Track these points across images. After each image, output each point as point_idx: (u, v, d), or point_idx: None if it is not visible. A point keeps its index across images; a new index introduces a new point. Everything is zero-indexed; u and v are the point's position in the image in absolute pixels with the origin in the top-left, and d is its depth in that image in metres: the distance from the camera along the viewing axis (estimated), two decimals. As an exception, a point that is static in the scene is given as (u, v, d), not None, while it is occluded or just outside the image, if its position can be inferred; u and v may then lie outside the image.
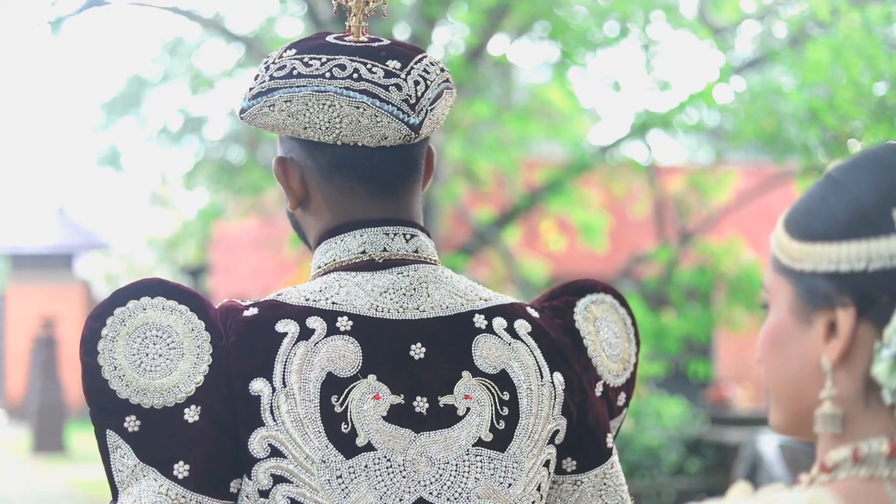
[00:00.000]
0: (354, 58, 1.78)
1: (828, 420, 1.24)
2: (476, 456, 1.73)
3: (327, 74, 1.76)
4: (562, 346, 1.85)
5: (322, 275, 1.81)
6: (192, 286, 17.31)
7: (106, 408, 1.67)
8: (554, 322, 1.88)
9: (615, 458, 1.91)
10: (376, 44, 1.82)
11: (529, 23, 10.83)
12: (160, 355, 1.68)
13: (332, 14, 9.82)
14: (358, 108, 1.75)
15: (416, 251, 1.82)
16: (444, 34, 11.36)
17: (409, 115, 1.76)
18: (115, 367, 1.67)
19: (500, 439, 1.75)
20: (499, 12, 10.49)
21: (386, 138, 1.77)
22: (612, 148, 12.33)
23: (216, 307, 1.75)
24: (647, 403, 11.88)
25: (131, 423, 1.66)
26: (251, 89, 1.81)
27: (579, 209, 12.78)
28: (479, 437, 1.73)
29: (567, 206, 12.54)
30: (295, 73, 1.77)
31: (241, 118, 1.83)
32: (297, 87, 1.76)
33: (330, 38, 1.84)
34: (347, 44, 1.81)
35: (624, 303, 1.97)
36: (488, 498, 1.73)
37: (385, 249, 1.80)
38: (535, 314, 1.87)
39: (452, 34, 11.32)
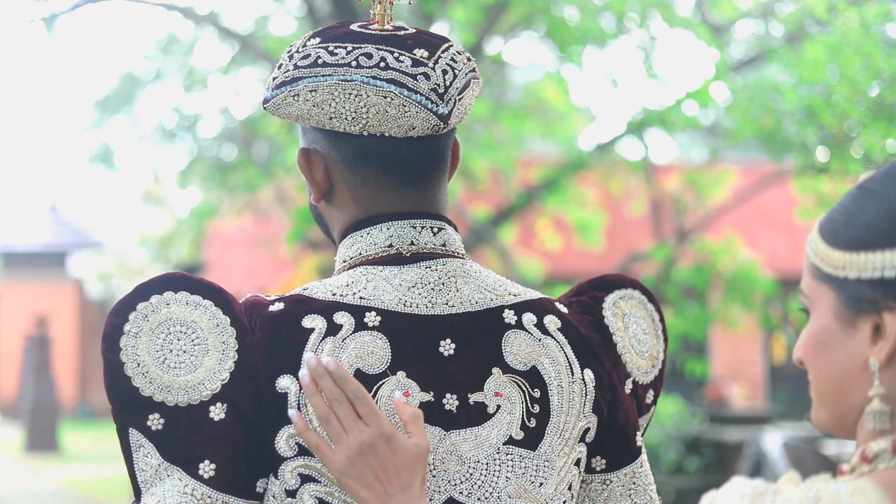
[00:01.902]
0: (381, 46, 1.74)
1: (877, 416, 1.32)
2: (507, 454, 1.69)
3: (353, 63, 1.72)
4: (592, 343, 1.81)
5: (348, 269, 1.76)
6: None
7: (128, 406, 1.63)
8: (583, 318, 1.84)
9: (644, 456, 1.88)
10: (402, 32, 1.78)
11: (527, 21, 10.79)
12: (184, 351, 1.63)
13: (330, 11, 9.78)
14: (385, 97, 1.70)
15: (444, 245, 1.78)
16: (442, 31, 11.32)
17: (437, 105, 1.72)
18: (139, 364, 1.62)
19: (531, 437, 1.71)
20: (496, 10, 10.46)
21: (414, 128, 1.73)
22: (609, 146, 12.30)
23: (240, 302, 1.70)
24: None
25: (154, 422, 1.61)
26: (275, 79, 1.76)
27: (575, 207, 12.75)
28: (510, 436, 1.70)
29: (563, 204, 12.51)
30: (320, 61, 1.73)
31: (265, 108, 1.79)
32: (322, 76, 1.72)
33: (354, 27, 1.79)
34: (373, 32, 1.77)
35: (652, 298, 1.94)
36: (519, 497, 1.69)
37: (412, 243, 1.76)
38: (563, 309, 1.83)
39: (450, 31, 11.28)
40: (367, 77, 1.71)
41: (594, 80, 16.55)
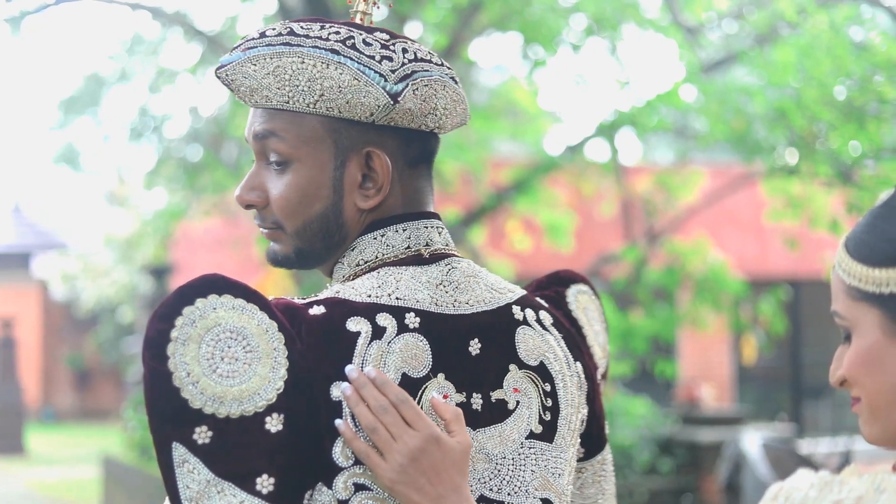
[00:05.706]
0: (417, 45, 1.75)
1: None
2: (529, 449, 1.71)
3: (433, 60, 1.74)
4: (573, 336, 1.85)
5: (366, 271, 1.72)
6: (156, 286, 17.13)
7: (173, 419, 1.51)
8: (558, 312, 1.88)
9: (608, 443, 1.95)
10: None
11: (500, 23, 10.78)
12: (236, 359, 1.53)
13: (303, 9, 9.74)
14: (459, 94, 1.74)
15: (447, 244, 1.78)
16: (415, 32, 11.30)
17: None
18: (188, 374, 1.51)
19: (548, 430, 1.73)
20: (470, 11, 10.45)
21: (463, 123, 1.78)
22: (579, 148, 12.31)
23: (274, 305, 1.61)
24: (615, 403, 11.90)
25: (202, 435, 1.50)
26: (394, 71, 1.67)
27: (545, 209, 12.77)
28: (531, 430, 1.71)
29: (533, 205, 12.52)
30: (417, 56, 1.71)
31: (396, 102, 1.67)
32: (424, 71, 1.70)
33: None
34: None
35: (596, 292, 1.99)
36: (544, 490, 1.71)
37: (427, 244, 1.75)
38: (546, 304, 1.85)
39: (424, 31, 11.26)
40: (444, 74, 1.73)
41: (564, 83, 16.57)
